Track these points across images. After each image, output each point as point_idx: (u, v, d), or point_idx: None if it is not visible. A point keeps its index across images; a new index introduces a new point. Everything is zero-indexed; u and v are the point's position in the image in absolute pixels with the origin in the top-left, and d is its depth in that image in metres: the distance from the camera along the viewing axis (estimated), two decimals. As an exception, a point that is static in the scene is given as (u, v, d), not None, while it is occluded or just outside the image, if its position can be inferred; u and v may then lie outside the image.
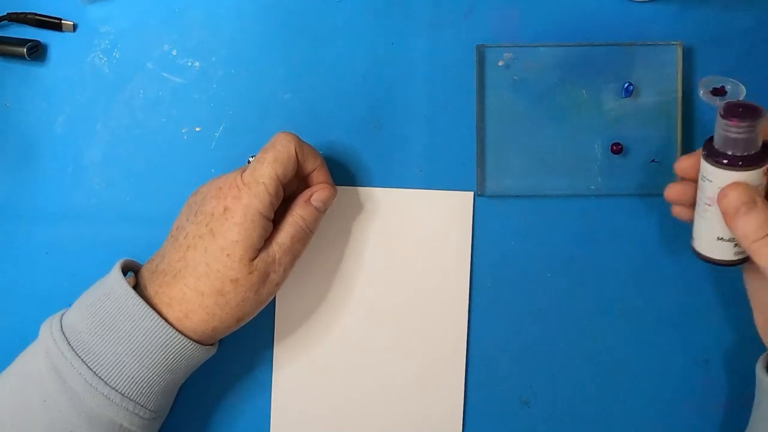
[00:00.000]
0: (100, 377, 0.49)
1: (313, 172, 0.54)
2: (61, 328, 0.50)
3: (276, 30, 0.58)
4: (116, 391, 0.49)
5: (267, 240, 0.52)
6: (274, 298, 0.58)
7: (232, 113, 0.59)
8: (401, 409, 0.59)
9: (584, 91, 0.58)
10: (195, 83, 0.58)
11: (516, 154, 0.58)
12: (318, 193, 0.54)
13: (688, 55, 0.58)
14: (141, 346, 0.50)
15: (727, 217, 0.47)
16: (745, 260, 0.49)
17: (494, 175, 0.58)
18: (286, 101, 0.59)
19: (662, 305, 0.59)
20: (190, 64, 0.58)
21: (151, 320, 0.50)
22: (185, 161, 0.59)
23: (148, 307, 0.50)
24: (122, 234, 0.59)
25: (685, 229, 0.52)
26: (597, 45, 0.58)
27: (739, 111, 0.46)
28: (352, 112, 0.59)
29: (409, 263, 0.59)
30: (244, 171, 0.52)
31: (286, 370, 0.59)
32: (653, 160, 0.58)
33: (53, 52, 0.58)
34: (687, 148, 0.58)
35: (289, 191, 0.54)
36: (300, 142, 0.53)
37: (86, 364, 0.49)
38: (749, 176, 0.47)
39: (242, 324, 0.53)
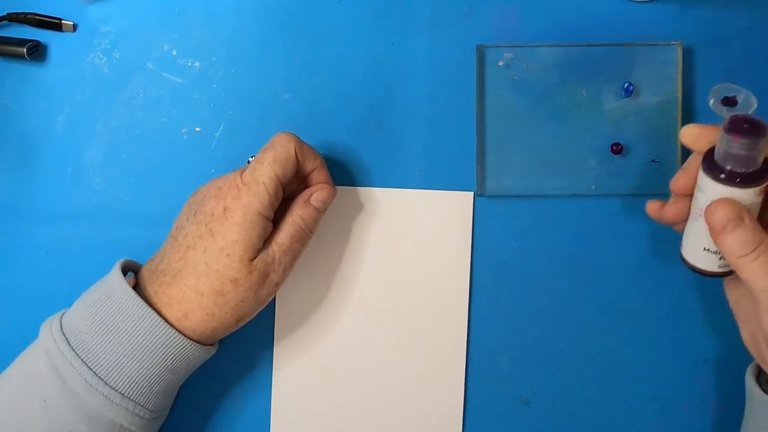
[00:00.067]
0: (100, 377, 0.49)
1: (312, 172, 0.54)
2: (61, 328, 0.50)
3: (276, 30, 0.58)
4: (116, 391, 0.49)
5: (267, 240, 0.52)
6: (274, 298, 0.58)
7: (232, 113, 0.59)
8: (401, 409, 0.59)
9: (584, 91, 0.58)
10: (195, 83, 0.58)
11: (516, 154, 0.58)
12: (318, 193, 0.54)
13: (688, 55, 0.58)
14: (141, 346, 0.50)
15: (713, 232, 0.47)
16: (730, 273, 0.49)
17: (494, 175, 0.58)
18: (286, 101, 0.59)
19: (662, 305, 0.59)
20: (190, 64, 0.58)
21: (151, 320, 0.50)
22: (185, 161, 0.59)
23: (147, 307, 0.50)
24: (122, 234, 0.59)
25: (685, 229, 0.52)
26: (597, 45, 0.57)
27: (744, 127, 0.45)
28: (352, 112, 0.59)
29: (409, 263, 0.59)
30: (244, 171, 0.52)
31: (286, 370, 0.59)
32: (653, 160, 0.58)
33: (53, 52, 0.58)
34: (687, 149, 0.57)
35: (288, 191, 0.54)
36: (300, 142, 0.53)
37: (86, 364, 0.49)
38: (744, 194, 0.46)
39: (242, 324, 0.53)
